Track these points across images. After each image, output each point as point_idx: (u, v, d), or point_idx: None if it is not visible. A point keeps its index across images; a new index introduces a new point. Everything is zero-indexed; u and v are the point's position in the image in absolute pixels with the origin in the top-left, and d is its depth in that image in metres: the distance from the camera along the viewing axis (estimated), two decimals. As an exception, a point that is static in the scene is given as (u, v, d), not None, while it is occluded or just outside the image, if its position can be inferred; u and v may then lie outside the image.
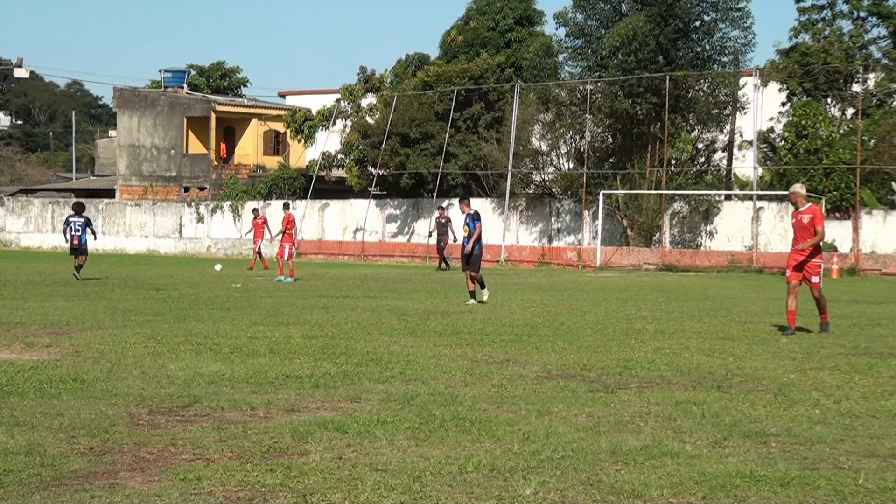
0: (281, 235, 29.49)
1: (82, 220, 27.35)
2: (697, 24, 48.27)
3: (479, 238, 20.39)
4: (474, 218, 20.53)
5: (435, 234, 41.02)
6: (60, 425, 7.34)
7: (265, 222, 37.94)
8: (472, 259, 20.39)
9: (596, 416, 7.98)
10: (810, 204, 15.47)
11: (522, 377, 9.98)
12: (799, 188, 15.64)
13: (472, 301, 20.00)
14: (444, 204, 52.05)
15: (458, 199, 22.80)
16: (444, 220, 39.94)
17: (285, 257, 28.90)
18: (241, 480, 5.90)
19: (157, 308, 17.75)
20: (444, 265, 39.28)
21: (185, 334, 13.30)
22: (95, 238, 28.39)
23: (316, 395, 8.77)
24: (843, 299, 24.04)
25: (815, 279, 15.27)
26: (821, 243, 15.35)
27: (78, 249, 26.90)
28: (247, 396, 8.63)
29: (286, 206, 32.42)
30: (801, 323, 16.15)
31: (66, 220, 27.74)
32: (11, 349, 11.78)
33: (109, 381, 9.40)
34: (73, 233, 27.00)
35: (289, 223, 29.79)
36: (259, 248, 37.76)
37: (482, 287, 20.41)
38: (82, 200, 34.44)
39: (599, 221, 45.46)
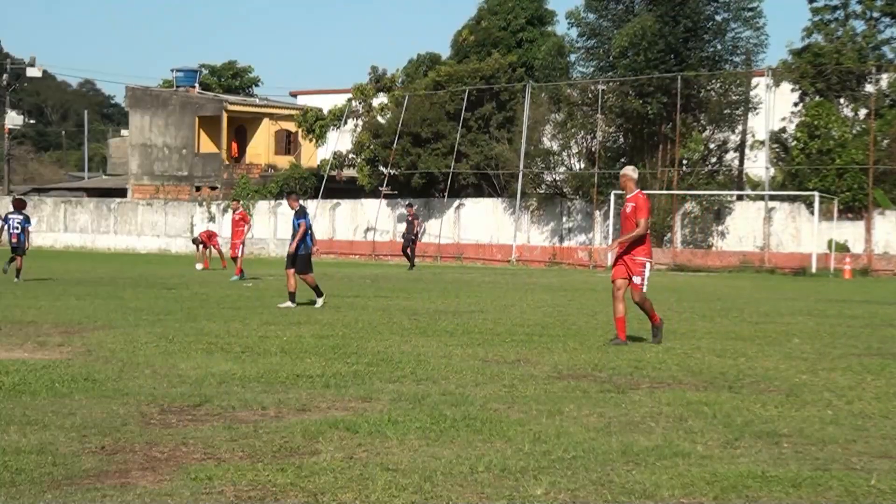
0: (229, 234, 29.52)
1: (21, 216, 25.68)
2: (709, 24, 48.19)
3: (303, 237, 18.79)
4: (299, 215, 18.97)
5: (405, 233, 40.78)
6: (72, 424, 7.35)
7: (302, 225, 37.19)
8: (297, 259, 18.78)
9: (607, 416, 7.96)
10: (637, 191, 13.31)
11: (533, 377, 9.97)
12: (629, 171, 13.44)
13: (289, 304, 18.43)
14: (456, 203, 52.10)
15: (286, 195, 20.66)
16: (410, 218, 39.81)
17: (239, 255, 28.83)
18: (252, 480, 5.90)
19: (169, 307, 17.79)
20: (410, 263, 38.96)
21: (196, 333, 13.31)
22: (29, 242, 25.95)
23: (327, 395, 8.78)
24: (856, 300, 23.97)
25: (636, 279, 12.93)
26: (649, 238, 13.20)
27: (17, 248, 25.26)
28: (258, 396, 8.64)
29: (238, 202, 32.47)
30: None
31: (5, 217, 25.85)
32: (23, 348, 11.82)
33: (121, 380, 9.42)
34: (11, 230, 25.29)
35: (243, 220, 29.86)
36: (220, 247, 37.64)
37: (318, 294, 18.80)
38: (23, 197, 32.86)
39: (610, 221, 45.40)
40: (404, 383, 9.46)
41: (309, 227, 19.03)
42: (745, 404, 8.56)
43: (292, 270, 18.81)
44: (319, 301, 18.77)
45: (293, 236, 18.93)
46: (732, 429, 7.53)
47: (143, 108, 65.12)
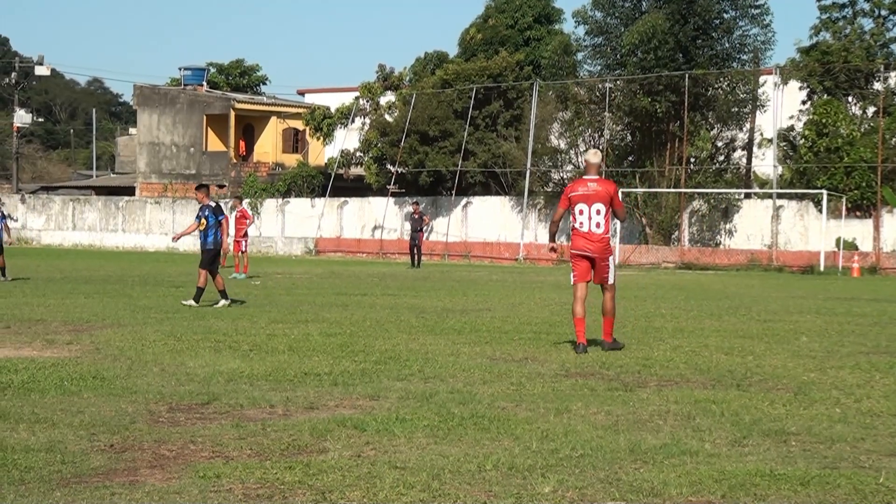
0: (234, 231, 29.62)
1: (1, 214, 25.30)
2: (717, 21, 48.12)
3: (216, 234, 18.13)
4: (215, 211, 18.23)
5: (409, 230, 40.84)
6: (81, 422, 7.37)
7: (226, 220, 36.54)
8: (216, 258, 18.24)
9: (615, 414, 7.96)
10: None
11: (541, 375, 9.96)
12: (590, 155, 12.24)
13: (190, 302, 17.69)
14: (463, 202, 52.09)
15: (195, 188, 19.17)
16: (417, 216, 39.80)
17: (243, 251, 28.89)
18: (261, 478, 5.91)
19: (177, 305, 17.81)
20: (414, 263, 38.96)
21: (204, 332, 13.33)
22: (10, 236, 25.30)
23: (335, 393, 8.78)
24: (864, 298, 23.93)
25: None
26: (573, 230, 12.36)
27: None
28: (266, 394, 8.65)
29: (240, 200, 32.47)
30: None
31: None
32: (32, 346, 11.84)
33: (129, 378, 9.43)
34: None
35: (244, 218, 29.92)
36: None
37: (224, 297, 17.95)
38: None
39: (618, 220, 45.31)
40: (412, 381, 9.47)
41: (213, 223, 18.20)
42: (753, 402, 8.55)
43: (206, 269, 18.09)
44: (222, 303, 17.79)
45: (209, 233, 18.05)
46: (740, 427, 7.53)
47: (150, 107, 65.20)
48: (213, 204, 18.39)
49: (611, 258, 12.09)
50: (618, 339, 12.23)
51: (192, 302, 17.77)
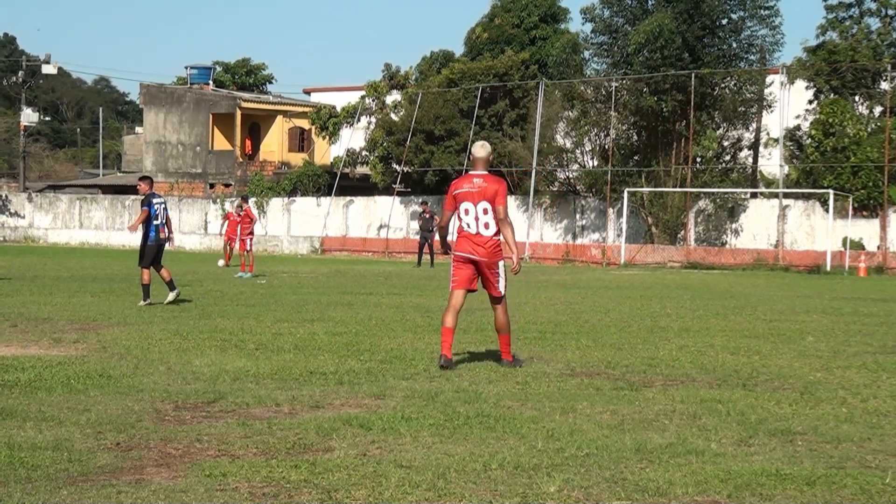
0: (239, 230, 29.74)
1: None
2: (725, 21, 48.04)
3: (148, 224, 17.69)
4: (143, 202, 17.77)
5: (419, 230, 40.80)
6: (87, 421, 7.38)
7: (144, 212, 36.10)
8: (144, 252, 17.90)
9: (620, 413, 7.96)
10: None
11: (546, 374, 9.96)
12: (477, 148, 10.80)
13: (141, 303, 17.42)
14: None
15: (139, 179, 18.53)
16: (427, 216, 39.78)
17: (248, 250, 29.04)
18: (266, 476, 5.91)
19: (183, 304, 17.82)
20: (421, 263, 38.95)
21: (210, 330, 13.34)
22: None
23: (340, 392, 8.79)
24: (871, 297, 23.89)
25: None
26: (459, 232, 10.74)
27: None
28: (272, 393, 8.66)
29: (245, 199, 32.54)
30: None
31: None
32: (39, 345, 11.86)
33: (136, 376, 9.45)
34: None
35: (249, 217, 30.04)
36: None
37: (172, 288, 17.85)
38: None
39: (624, 219, 45.34)
40: (417, 380, 9.47)
41: (154, 216, 17.71)
42: (760, 402, 8.54)
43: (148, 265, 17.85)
44: (171, 295, 17.73)
45: (150, 227, 17.75)
46: (746, 426, 7.52)
47: (157, 106, 65.27)
48: (149, 194, 17.84)
49: (501, 264, 10.69)
50: (517, 356, 10.87)
51: (143, 301, 17.48)
